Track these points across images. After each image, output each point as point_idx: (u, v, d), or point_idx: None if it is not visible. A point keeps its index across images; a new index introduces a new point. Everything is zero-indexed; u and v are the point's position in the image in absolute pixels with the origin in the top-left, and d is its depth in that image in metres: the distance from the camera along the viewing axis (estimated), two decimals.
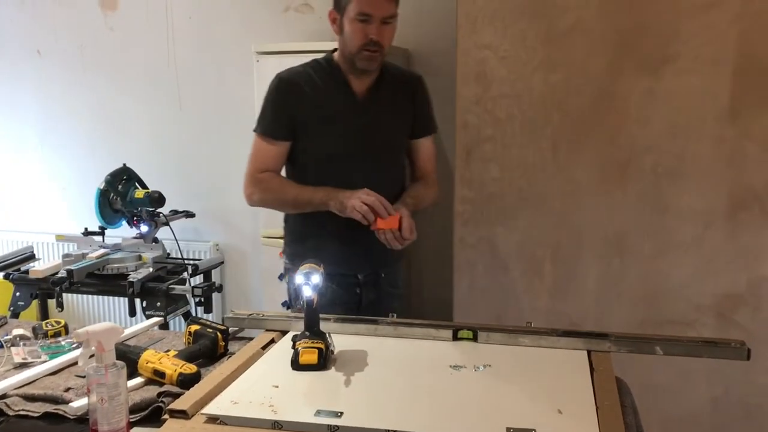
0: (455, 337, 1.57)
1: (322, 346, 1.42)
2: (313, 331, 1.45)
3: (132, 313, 2.75)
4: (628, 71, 2.49)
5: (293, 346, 1.44)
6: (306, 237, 2.07)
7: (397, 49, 2.81)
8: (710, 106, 2.46)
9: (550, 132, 2.54)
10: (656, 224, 2.55)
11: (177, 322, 2.87)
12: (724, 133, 2.46)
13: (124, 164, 3.00)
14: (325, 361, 1.41)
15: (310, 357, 1.40)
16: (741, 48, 2.40)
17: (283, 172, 2.10)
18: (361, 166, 1.98)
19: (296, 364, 1.40)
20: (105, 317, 3.68)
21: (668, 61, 2.46)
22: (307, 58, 2.89)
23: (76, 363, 1.49)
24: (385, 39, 1.85)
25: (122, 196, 2.91)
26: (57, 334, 1.68)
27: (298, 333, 1.47)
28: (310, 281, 1.42)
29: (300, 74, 1.99)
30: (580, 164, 2.58)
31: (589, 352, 1.50)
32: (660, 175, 2.53)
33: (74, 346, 1.59)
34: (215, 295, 2.95)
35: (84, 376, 1.22)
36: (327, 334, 1.47)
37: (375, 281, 2.09)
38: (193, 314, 2.73)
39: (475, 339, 1.57)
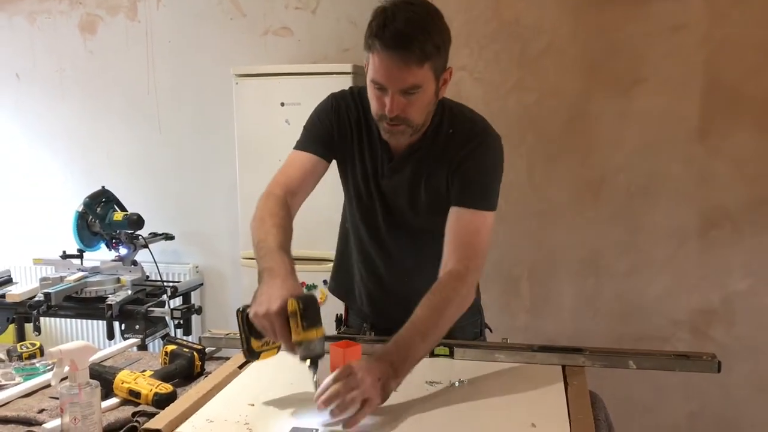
0: (432, 354, 1.57)
1: None
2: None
3: (110, 336, 2.72)
4: (599, 93, 2.55)
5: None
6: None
7: None
8: (680, 127, 2.52)
9: (525, 151, 2.59)
10: (630, 242, 2.60)
11: (156, 345, 2.85)
12: (694, 152, 2.52)
13: (103, 187, 3.00)
14: None
15: None
16: (708, 70, 2.47)
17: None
18: (378, 230, 1.66)
19: None
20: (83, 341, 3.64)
21: (638, 83, 2.52)
22: (286, 81, 2.96)
23: (50, 384, 1.48)
24: (408, 113, 1.43)
25: (101, 218, 2.90)
26: (32, 356, 1.67)
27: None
28: None
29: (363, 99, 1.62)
30: (554, 184, 2.63)
31: (563, 367, 1.52)
32: (633, 195, 2.58)
33: (49, 367, 1.58)
34: (195, 317, 2.94)
35: (58, 398, 1.21)
36: None
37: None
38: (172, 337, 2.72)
39: (451, 355, 1.58)
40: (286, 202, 1.53)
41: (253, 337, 1.33)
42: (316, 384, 1.24)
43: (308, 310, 1.23)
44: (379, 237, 1.67)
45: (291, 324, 1.24)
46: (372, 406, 1.23)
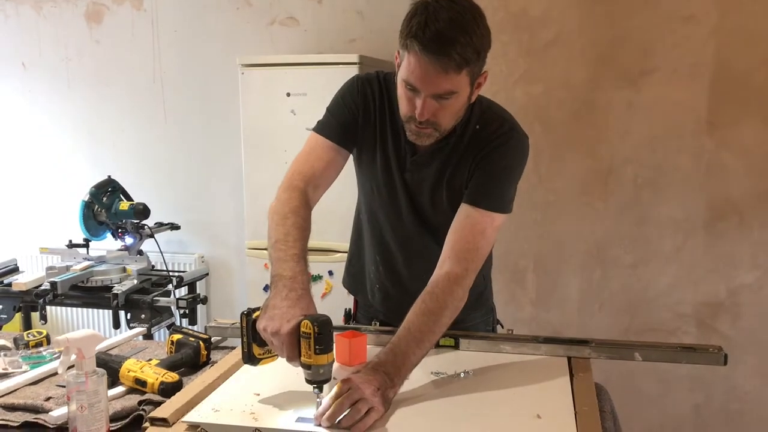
0: (437, 345, 1.57)
1: None
2: None
3: (116, 325, 2.73)
4: (607, 84, 2.54)
5: None
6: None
7: (381, 62, 2.84)
8: (688, 118, 2.50)
9: (531, 143, 2.56)
10: (637, 234, 2.59)
11: (161, 334, 2.86)
12: (702, 144, 2.51)
13: (109, 176, 3.00)
14: None
15: None
16: (718, 61, 2.46)
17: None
18: (399, 224, 1.63)
19: None
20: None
21: (647, 74, 2.51)
22: (292, 71, 2.94)
23: (57, 373, 1.48)
24: (438, 117, 1.38)
25: (107, 208, 2.90)
26: (38, 345, 1.67)
27: None
28: None
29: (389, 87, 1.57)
30: (561, 175, 2.62)
31: (569, 359, 1.52)
32: (640, 186, 2.56)
33: (55, 356, 1.58)
34: (200, 307, 2.94)
35: (65, 386, 1.22)
36: None
37: None
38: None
39: (456, 347, 1.58)
40: (308, 197, 1.50)
41: (255, 344, 1.30)
42: (319, 404, 1.22)
43: (323, 334, 1.20)
44: (402, 233, 1.63)
45: (302, 345, 1.21)
46: (376, 413, 1.21)
